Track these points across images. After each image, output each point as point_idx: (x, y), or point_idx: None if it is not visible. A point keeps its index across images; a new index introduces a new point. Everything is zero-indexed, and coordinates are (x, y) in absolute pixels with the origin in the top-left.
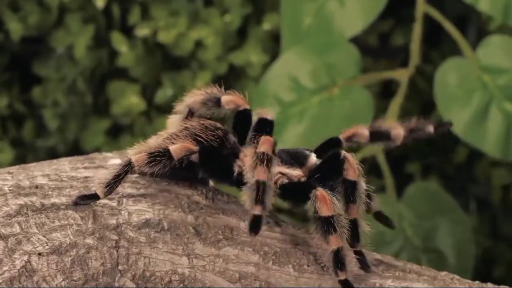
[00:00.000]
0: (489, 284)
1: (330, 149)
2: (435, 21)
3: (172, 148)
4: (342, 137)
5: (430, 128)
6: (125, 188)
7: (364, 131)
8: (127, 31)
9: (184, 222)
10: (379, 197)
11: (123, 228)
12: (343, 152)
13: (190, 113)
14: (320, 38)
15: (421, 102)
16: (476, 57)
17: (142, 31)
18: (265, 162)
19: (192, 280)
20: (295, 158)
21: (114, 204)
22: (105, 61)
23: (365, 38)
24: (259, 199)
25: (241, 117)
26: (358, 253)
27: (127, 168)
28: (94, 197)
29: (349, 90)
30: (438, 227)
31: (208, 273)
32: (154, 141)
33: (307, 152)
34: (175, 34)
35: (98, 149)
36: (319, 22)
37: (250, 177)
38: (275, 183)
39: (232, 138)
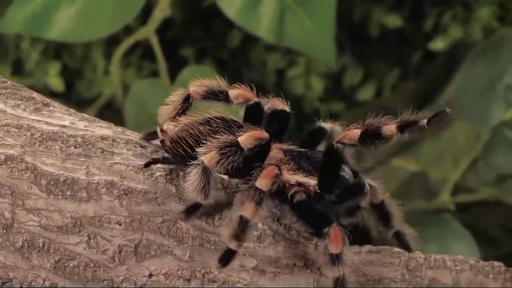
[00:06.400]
0: None
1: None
2: None
3: (241, 139)
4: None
5: (423, 122)
6: None
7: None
8: None
9: None
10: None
11: None
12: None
13: (186, 102)
14: None
15: None
16: None
17: None
18: (256, 200)
19: None
20: (313, 163)
21: None
22: None
23: None
24: (238, 235)
25: (252, 111)
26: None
27: (206, 174)
28: (198, 206)
29: None
30: None
31: None
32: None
33: None
34: None
35: None
36: None
37: (237, 206)
38: (291, 197)
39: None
